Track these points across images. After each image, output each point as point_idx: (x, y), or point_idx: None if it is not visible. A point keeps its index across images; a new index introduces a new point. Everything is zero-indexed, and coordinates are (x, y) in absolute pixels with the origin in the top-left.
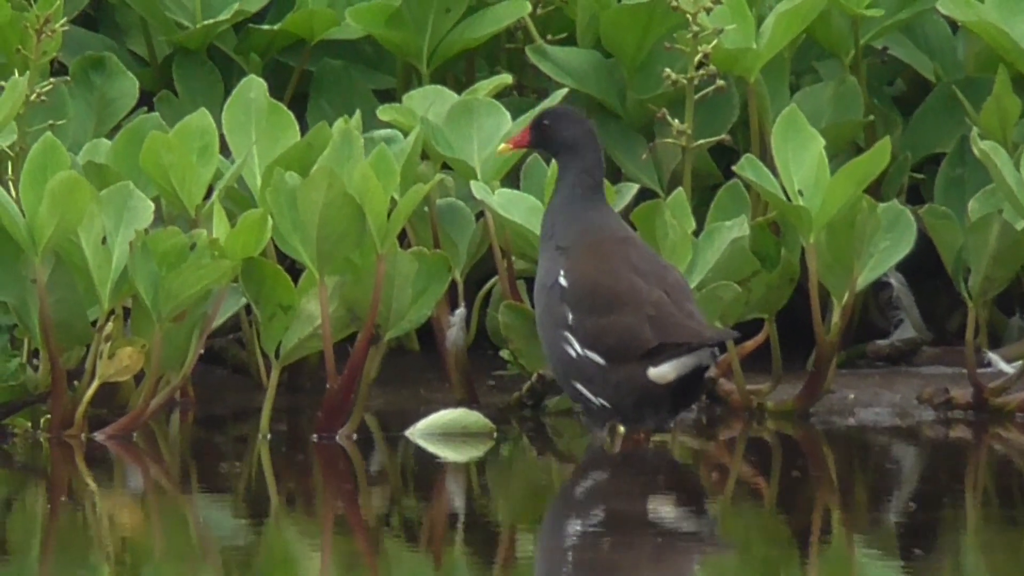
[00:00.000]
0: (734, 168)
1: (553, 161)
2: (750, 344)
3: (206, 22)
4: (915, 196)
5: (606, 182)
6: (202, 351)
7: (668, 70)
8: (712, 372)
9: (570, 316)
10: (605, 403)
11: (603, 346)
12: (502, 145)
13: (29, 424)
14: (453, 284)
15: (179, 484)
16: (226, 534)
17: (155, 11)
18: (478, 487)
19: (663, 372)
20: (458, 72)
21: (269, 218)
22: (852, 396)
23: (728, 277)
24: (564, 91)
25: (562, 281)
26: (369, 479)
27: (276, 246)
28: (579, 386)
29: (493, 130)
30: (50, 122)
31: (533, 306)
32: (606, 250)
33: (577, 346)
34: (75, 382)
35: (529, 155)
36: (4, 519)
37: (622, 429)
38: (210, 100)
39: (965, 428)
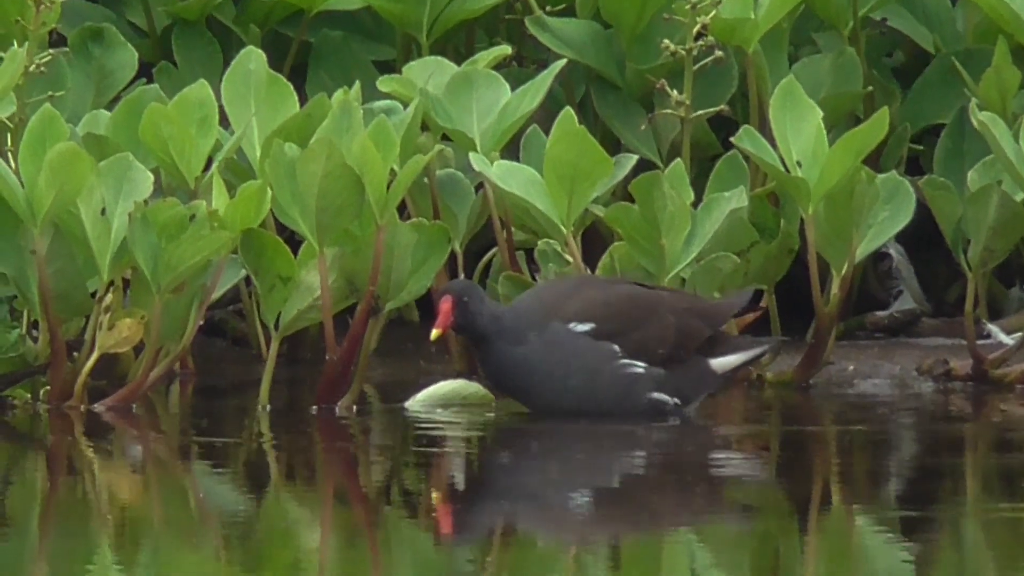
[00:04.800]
0: (733, 139)
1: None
2: (749, 315)
3: None
4: (914, 167)
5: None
6: (202, 322)
7: (667, 41)
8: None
9: (615, 347)
10: (679, 401)
11: (658, 353)
12: (435, 331)
13: (29, 395)
14: (452, 255)
15: (178, 455)
16: (226, 505)
17: None
18: (477, 458)
19: (728, 362)
20: (458, 43)
21: (268, 189)
22: (851, 367)
23: (727, 248)
24: (563, 61)
25: (581, 328)
26: (369, 450)
27: (275, 217)
28: (656, 396)
29: (492, 101)
30: (49, 93)
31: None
32: (574, 283)
33: (640, 366)
34: (75, 353)
35: (529, 125)
36: (4, 490)
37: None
38: (209, 71)
39: (964, 399)
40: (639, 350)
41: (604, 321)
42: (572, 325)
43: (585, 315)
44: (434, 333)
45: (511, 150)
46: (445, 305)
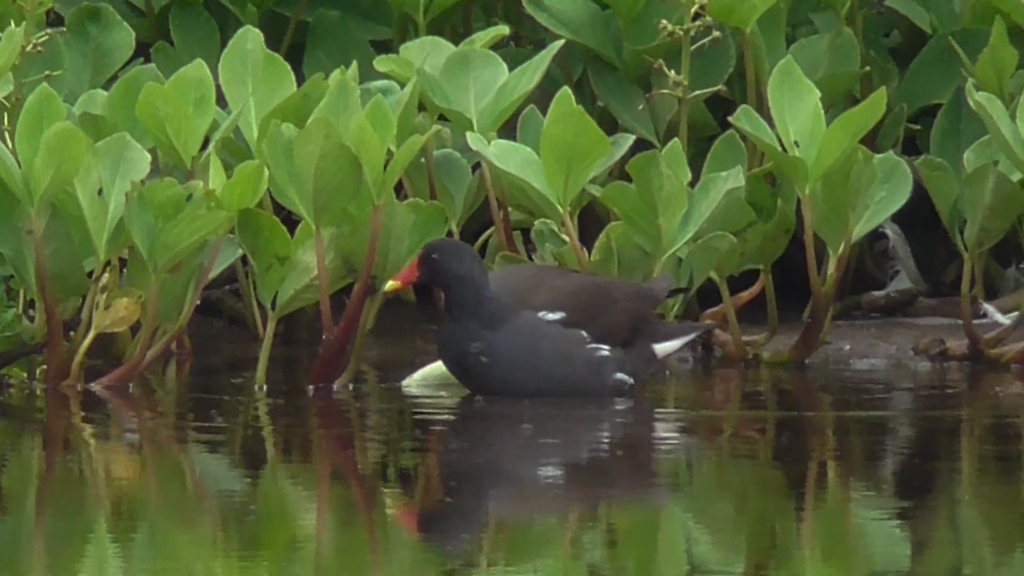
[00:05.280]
0: (730, 119)
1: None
2: (746, 295)
3: None
4: (911, 147)
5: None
6: (198, 302)
7: (664, 21)
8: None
9: (584, 333)
10: (632, 381)
11: (618, 337)
12: (390, 282)
13: (25, 375)
14: (449, 235)
15: (175, 435)
16: (222, 485)
17: None
18: (473, 437)
19: (669, 346)
20: (455, 23)
21: (265, 169)
22: (848, 347)
23: (724, 228)
24: (561, 42)
25: (552, 317)
26: (365, 429)
27: (272, 197)
28: (619, 376)
29: (490, 81)
30: (46, 73)
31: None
32: (532, 273)
33: (605, 349)
34: (71, 333)
35: (526, 106)
36: (0, 470)
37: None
38: (206, 51)
39: (961, 378)
40: (603, 335)
41: (573, 310)
42: (542, 314)
43: (554, 305)
44: (388, 284)
45: (508, 130)
46: (414, 261)
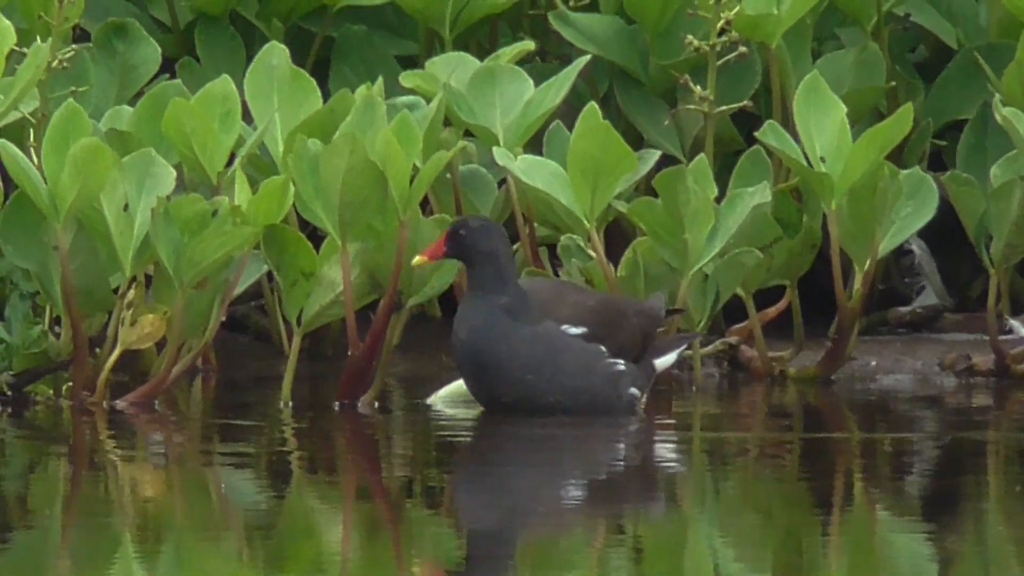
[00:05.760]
0: (756, 134)
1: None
2: (772, 311)
3: None
4: (937, 163)
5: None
6: (224, 318)
7: (690, 36)
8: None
9: (603, 348)
10: (640, 393)
11: (631, 353)
12: (417, 258)
13: (51, 391)
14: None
15: (201, 451)
16: (248, 501)
17: None
18: (500, 454)
19: (667, 360)
20: (481, 38)
21: (291, 185)
22: (874, 363)
23: (750, 243)
24: (587, 57)
25: (575, 331)
26: (391, 446)
27: (298, 213)
28: (632, 390)
29: (516, 96)
30: (72, 89)
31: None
32: (552, 287)
33: (621, 363)
34: (97, 349)
35: (552, 121)
36: (26, 486)
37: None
38: (232, 66)
39: (987, 394)
40: (619, 351)
41: (594, 326)
42: (565, 327)
43: (577, 320)
44: (416, 260)
45: (534, 145)
46: (442, 236)
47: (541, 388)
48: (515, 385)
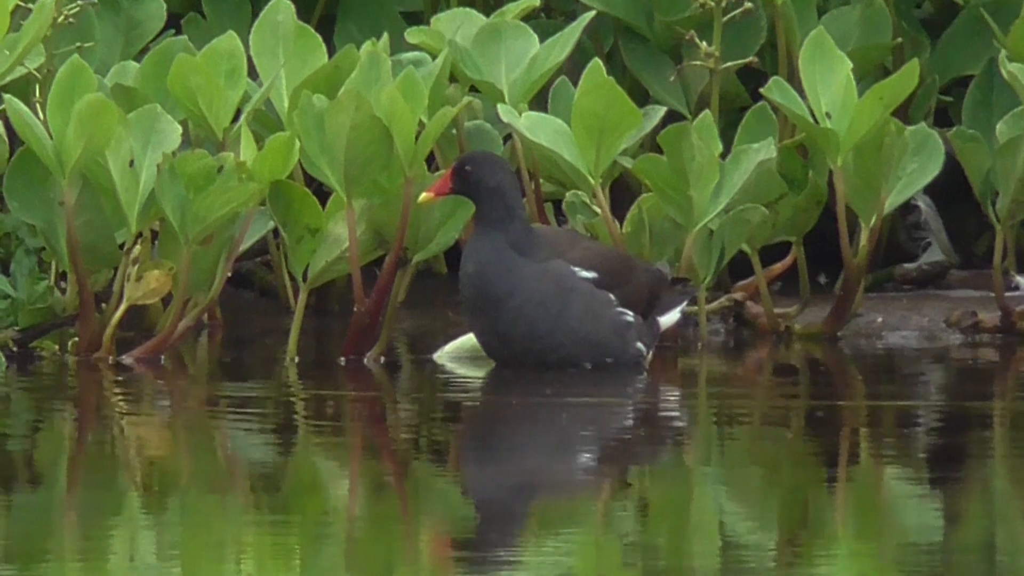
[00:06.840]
0: (761, 90)
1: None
2: (778, 267)
3: None
4: (943, 119)
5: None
6: (230, 274)
7: None
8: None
9: (612, 296)
10: (645, 349)
11: (639, 307)
12: (423, 194)
13: (57, 347)
14: None
15: (206, 407)
16: (253, 457)
17: None
18: (505, 409)
19: (671, 318)
20: None
21: (296, 141)
22: (880, 319)
23: (755, 200)
24: (592, 13)
25: (585, 275)
26: (396, 401)
27: (303, 169)
28: (639, 345)
29: (521, 53)
30: (77, 44)
31: (520, 317)
32: (564, 233)
33: (631, 315)
34: (103, 305)
35: (557, 77)
36: (32, 442)
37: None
38: (238, 22)
39: (992, 351)
40: (627, 303)
41: (605, 273)
42: (576, 269)
43: (588, 264)
44: (422, 197)
45: (539, 102)
46: (447, 172)
47: (547, 327)
48: (518, 321)
